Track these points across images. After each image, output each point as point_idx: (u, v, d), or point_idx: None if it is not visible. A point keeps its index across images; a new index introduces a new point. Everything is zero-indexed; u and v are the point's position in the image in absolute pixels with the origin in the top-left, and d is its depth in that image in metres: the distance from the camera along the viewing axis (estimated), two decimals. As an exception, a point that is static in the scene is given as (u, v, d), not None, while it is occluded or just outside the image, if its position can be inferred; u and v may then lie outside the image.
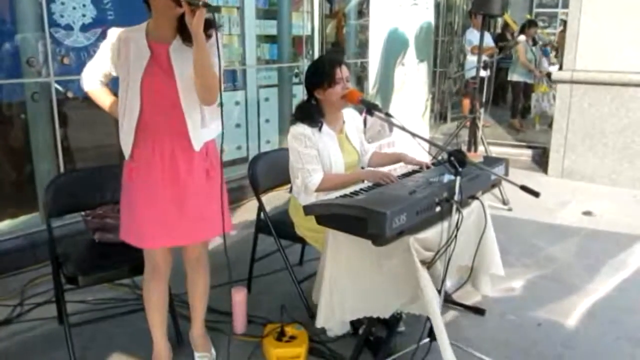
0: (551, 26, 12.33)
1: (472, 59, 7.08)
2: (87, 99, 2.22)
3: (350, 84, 2.58)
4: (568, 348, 2.58)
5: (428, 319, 2.16)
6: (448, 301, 2.85)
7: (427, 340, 2.32)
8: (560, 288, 3.18)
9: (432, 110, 6.43)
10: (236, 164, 5.08)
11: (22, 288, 3.09)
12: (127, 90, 2.02)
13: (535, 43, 7.69)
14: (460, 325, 2.74)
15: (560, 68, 5.78)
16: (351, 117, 2.76)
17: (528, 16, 10.55)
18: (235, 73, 5.39)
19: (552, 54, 8.33)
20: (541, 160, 6.15)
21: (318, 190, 2.49)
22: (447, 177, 2.23)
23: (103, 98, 2.20)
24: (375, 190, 2.20)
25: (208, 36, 1.91)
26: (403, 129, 2.29)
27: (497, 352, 2.48)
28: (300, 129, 2.51)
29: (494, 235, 2.60)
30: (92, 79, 2.17)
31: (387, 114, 2.40)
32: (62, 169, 3.61)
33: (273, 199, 4.10)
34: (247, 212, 4.32)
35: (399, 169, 2.65)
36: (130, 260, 2.33)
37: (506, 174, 2.64)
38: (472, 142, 4.89)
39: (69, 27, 3.66)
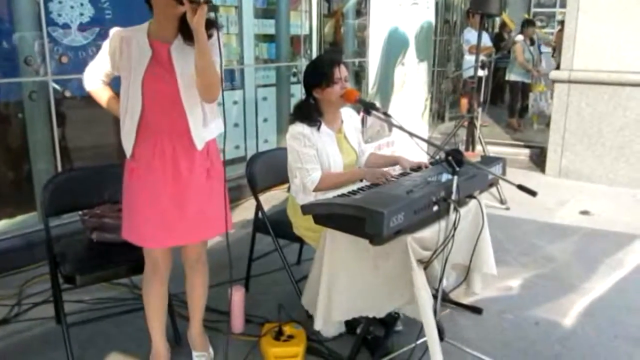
0: (549, 26, 12.34)
1: (469, 59, 7.09)
2: (85, 98, 2.23)
3: (349, 83, 2.58)
4: (565, 347, 2.59)
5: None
6: (445, 300, 2.85)
7: (424, 339, 2.32)
8: (558, 287, 3.19)
9: (430, 110, 6.43)
10: (234, 164, 5.08)
11: (19, 288, 3.08)
12: (128, 90, 2.02)
13: (533, 43, 7.70)
14: (457, 324, 2.75)
15: (558, 67, 5.79)
16: (349, 116, 2.76)
17: (526, 16, 10.56)
18: (234, 72, 5.39)
19: (547, 50, 8.33)
20: (539, 160, 6.15)
21: (316, 189, 2.49)
22: (444, 177, 2.24)
23: (104, 97, 2.20)
24: (373, 190, 2.20)
25: (209, 36, 1.91)
26: (401, 128, 2.30)
27: (495, 351, 2.49)
28: (299, 129, 2.51)
29: (489, 235, 2.60)
30: (94, 79, 2.17)
31: (385, 114, 2.41)
32: (59, 169, 3.61)
33: (271, 199, 4.10)
34: (245, 211, 4.32)
35: (397, 168, 2.65)
36: (128, 260, 2.34)
37: (504, 173, 2.65)
38: (470, 141, 4.90)
39: (66, 26, 3.65)
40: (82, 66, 2.19)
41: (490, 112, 8.61)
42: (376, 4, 4.28)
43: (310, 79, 2.57)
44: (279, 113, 5.78)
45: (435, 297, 2.13)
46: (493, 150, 5.29)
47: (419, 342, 2.29)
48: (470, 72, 5.84)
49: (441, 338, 2.11)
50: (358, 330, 2.47)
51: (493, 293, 3.03)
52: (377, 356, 2.39)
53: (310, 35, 5.90)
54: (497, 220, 4.16)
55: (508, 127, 7.70)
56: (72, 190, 2.56)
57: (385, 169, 2.52)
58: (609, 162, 5.44)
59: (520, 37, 6.66)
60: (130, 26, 2.05)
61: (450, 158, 2.06)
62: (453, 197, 2.08)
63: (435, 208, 2.10)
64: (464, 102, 7.51)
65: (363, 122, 3.64)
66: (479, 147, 4.92)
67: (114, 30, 2.07)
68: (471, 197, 2.38)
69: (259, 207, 2.90)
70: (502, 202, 4.68)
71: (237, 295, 2.63)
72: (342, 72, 2.53)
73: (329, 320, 2.26)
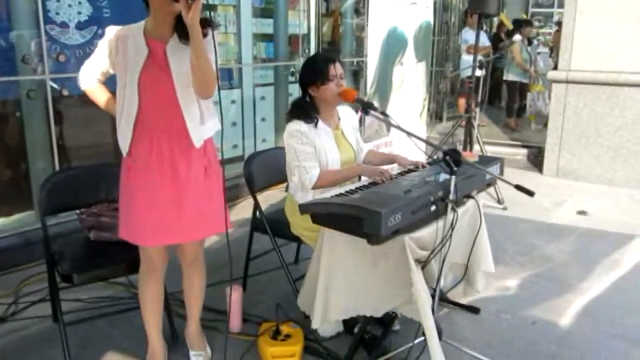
0: (547, 26, 12.35)
1: (467, 59, 7.10)
2: (82, 97, 2.22)
3: (345, 81, 2.59)
4: (562, 347, 2.59)
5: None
6: (443, 300, 2.85)
7: (422, 338, 2.32)
8: (555, 287, 3.20)
9: (428, 110, 6.44)
10: (232, 163, 5.08)
11: (16, 286, 3.08)
12: (124, 88, 2.01)
13: (530, 43, 7.71)
14: (454, 324, 2.75)
15: (556, 68, 5.80)
16: (346, 114, 2.76)
17: (524, 16, 10.58)
18: (232, 71, 5.39)
19: (544, 50, 8.35)
20: (536, 160, 6.17)
21: (315, 187, 2.49)
22: (442, 177, 2.24)
23: (100, 96, 2.19)
24: (371, 189, 2.20)
25: (204, 34, 1.90)
26: (399, 128, 2.30)
27: (492, 351, 2.49)
28: (296, 126, 2.51)
29: (486, 234, 2.61)
30: (90, 77, 2.17)
31: (383, 113, 2.41)
32: (57, 167, 3.60)
33: (269, 198, 4.10)
34: (243, 210, 4.32)
35: (395, 167, 2.66)
36: (126, 259, 2.33)
37: (501, 173, 2.66)
38: (468, 141, 4.91)
39: (64, 25, 3.65)
40: (80, 65, 2.19)
41: (488, 112, 8.62)
42: (375, 4, 4.28)
43: (306, 76, 2.58)
44: (277, 112, 5.78)
45: (433, 296, 2.13)
46: (491, 150, 5.29)
47: (416, 341, 2.29)
48: (468, 72, 5.84)
49: (439, 338, 2.12)
50: (355, 330, 2.47)
51: (490, 293, 3.04)
52: (374, 355, 2.39)
53: (308, 35, 5.90)
54: (495, 220, 4.16)
55: (506, 127, 7.71)
56: (70, 189, 2.55)
57: (384, 167, 2.52)
58: (607, 162, 5.45)
59: (518, 37, 6.66)
60: (129, 25, 2.05)
61: (448, 158, 2.06)
62: (451, 197, 2.09)
63: (433, 208, 2.11)
64: (462, 102, 7.52)
65: (361, 121, 3.64)
66: (476, 147, 4.93)
67: (109, 29, 2.07)
68: (469, 197, 2.38)
69: (256, 206, 2.90)
70: (499, 202, 4.68)
71: (235, 295, 2.62)
72: (337, 69, 2.53)
73: (326, 319, 2.26)
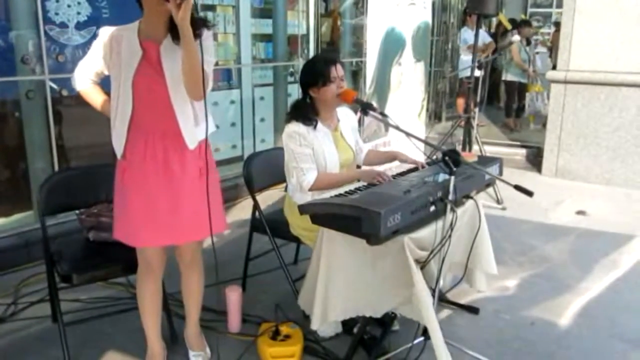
0: (545, 26, 12.36)
1: (465, 59, 7.10)
2: (81, 97, 2.21)
3: (345, 83, 2.59)
4: (561, 347, 2.60)
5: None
6: (442, 300, 2.85)
7: (421, 339, 2.33)
8: (554, 287, 3.20)
9: (427, 110, 6.45)
10: (231, 163, 5.08)
11: (16, 287, 3.08)
12: (119, 89, 2.00)
13: (529, 43, 7.71)
14: (453, 324, 2.75)
15: (554, 68, 5.80)
16: (345, 115, 2.76)
17: (523, 16, 10.58)
18: (231, 72, 5.39)
19: (542, 50, 8.35)
20: (535, 160, 6.17)
21: (312, 189, 2.50)
22: (441, 177, 2.24)
23: (95, 97, 2.18)
24: (370, 190, 2.20)
25: (198, 35, 1.88)
26: (397, 128, 2.30)
27: (491, 351, 2.49)
28: (295, 127, 2.52)
29: (488, 234, 2.61)
30: (84, 78, 2.15)
31: (382, 114, 2.41)
32: (56, 168, 3.60)
33: (268, 198, 4.10)
34: (242, 211, 4.32)
35: (394, 168, 2.66)
36: (125, 259, 2.32)
37: (500, 173, 2.66)
38: (467, 141, 4.91)
39: (63, 25, 3.64)
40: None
41: (487, 112, 8.63)
42: (374, 4, 4.29)
43: (307, 78, 2.58)
44: (276, 113, 5.78)
45: (432, 296, 2.14)
46: (490, 150, 5.30)
47: (415, 342, 2.30)
48: (467, 72, 5.85)
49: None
50: (355, 330, 2.47)
51: (489, 293, 3.04)
52: (373, 356, 2.39)
53: (307, 35, 5.90)
54: (494, 220, 4.16)
55: (505, 127, 7.72)
56: (69, 189, 2.55)
57: (382, 169, 2.52)
58: (605, 162, 5.46)
59: (517, 37, 6.67)
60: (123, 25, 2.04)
61: (447, 158, 2.06)
62: (450, 197, 2.09)
63: (432, 208, 2.11)
64: (461, 102, 7.52)
65: (360, 122, 3.65)
66: (475, 147, 4.93)
67: (103, 29, 2.06)
68: (468, 197, 2.38)
69: (256, 206, 2.90)
70: (498, 202, 4.69)
71: (234, 295, 2.63)
72: (338, 71, 2.53)
73: (325, 320, 2.26)
